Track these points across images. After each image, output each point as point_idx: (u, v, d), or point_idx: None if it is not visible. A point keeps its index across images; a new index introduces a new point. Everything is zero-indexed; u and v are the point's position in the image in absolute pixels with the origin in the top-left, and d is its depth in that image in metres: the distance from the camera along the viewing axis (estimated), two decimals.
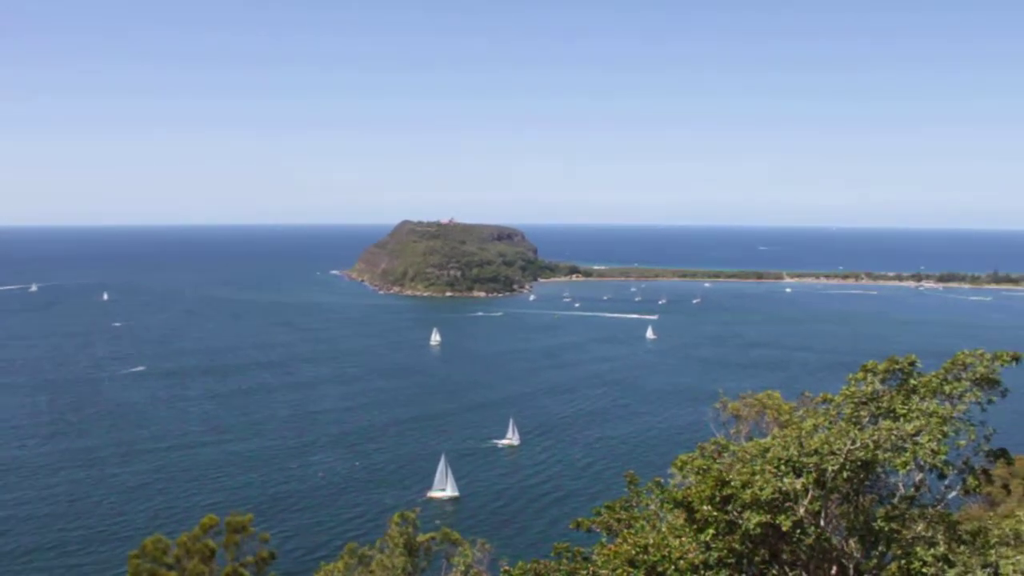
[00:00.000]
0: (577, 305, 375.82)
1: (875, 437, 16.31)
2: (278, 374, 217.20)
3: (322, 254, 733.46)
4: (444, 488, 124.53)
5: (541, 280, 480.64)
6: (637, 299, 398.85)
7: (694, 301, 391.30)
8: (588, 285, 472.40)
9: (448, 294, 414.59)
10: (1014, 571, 11.05)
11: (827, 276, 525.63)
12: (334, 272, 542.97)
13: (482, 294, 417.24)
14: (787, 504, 16.38)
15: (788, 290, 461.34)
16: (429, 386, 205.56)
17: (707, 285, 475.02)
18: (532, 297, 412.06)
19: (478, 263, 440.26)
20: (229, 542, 33.99)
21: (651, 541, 17.02)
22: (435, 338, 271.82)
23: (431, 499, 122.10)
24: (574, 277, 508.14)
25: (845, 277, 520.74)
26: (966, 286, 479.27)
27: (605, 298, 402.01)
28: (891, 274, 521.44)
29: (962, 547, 16.35)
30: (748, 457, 17.15)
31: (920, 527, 17.27)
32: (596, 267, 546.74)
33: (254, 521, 35.58)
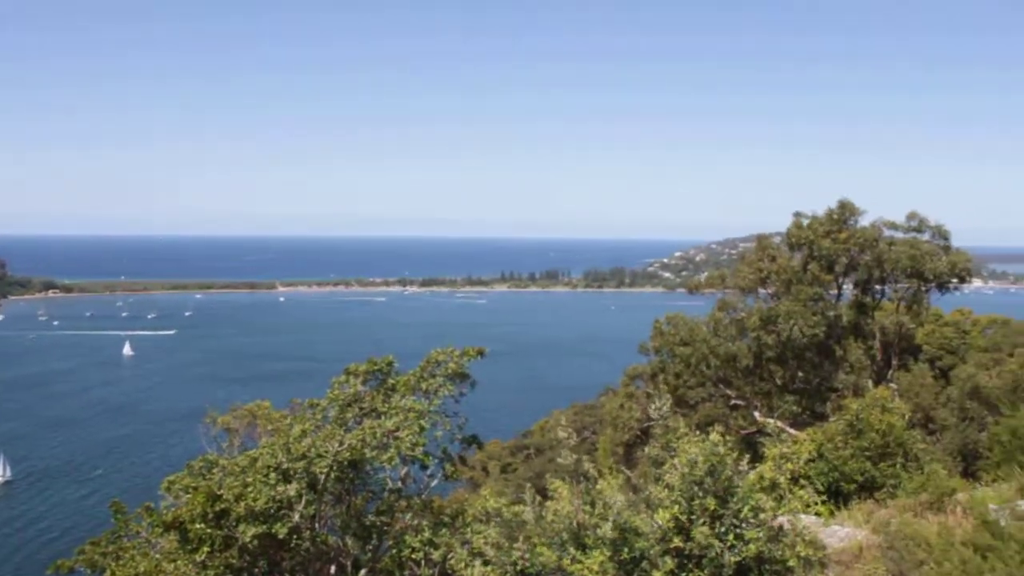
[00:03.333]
0: (56, 323, 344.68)
1: (361, 437, 17.00)
2: None
3: None
4: None
5: (12, 297, 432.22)
6: (124, 314, 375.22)
7: (186, 314, 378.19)
8: (68, 302, 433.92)
9: None
10: (484, 543, 12.17)
11: (319, 284, 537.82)
12: None
13: None
14: (282, 512, 16.45)
15: (281, 299, 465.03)
16: None
17: (199, 297, 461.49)
18: (1, 317, 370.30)
19: None
20: None
21: (143, 570, 16.16)
22: None
23: None
24: (51, 293, 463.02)
25: (336, 284, 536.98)
26: (445, 289, 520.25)
27: (88, 315, 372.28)
28: (379, 280, 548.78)
29: (444, 530, 17.64)
30: (239, 469, 16.95)
31: (408, 517, 18.37)
32: (77, 281, 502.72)
33: None
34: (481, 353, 19.94)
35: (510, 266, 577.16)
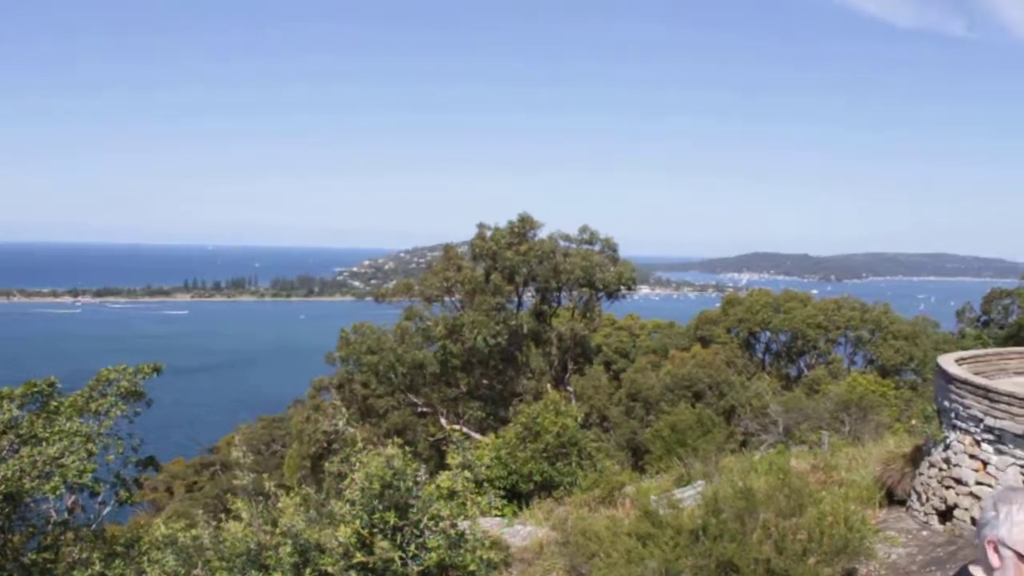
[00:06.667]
0: None
1: (18, 466, 15.59)
2: None
3: None
4: None
5: None
6: None
7: None
8: None
9: None
10: (161, 571, 11.58)
11: None
12: None
13: None
14: None
15: None
16: None
17: None
18: None
19: None
20: None
21: None
22: None
23: None
24: None
25: None
26: (123, 299, 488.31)
27: None
28: (46, 290, 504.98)
29: (117, 560, 16.57)
30: None
31: (76, 550, 17.06)
32: None
33: None
34: (157, 369, 18.94)
35: (190, 274, 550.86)
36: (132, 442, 18.47)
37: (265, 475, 11.82)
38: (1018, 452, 14.41)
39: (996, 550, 3.26)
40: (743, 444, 36.32)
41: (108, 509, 18.53)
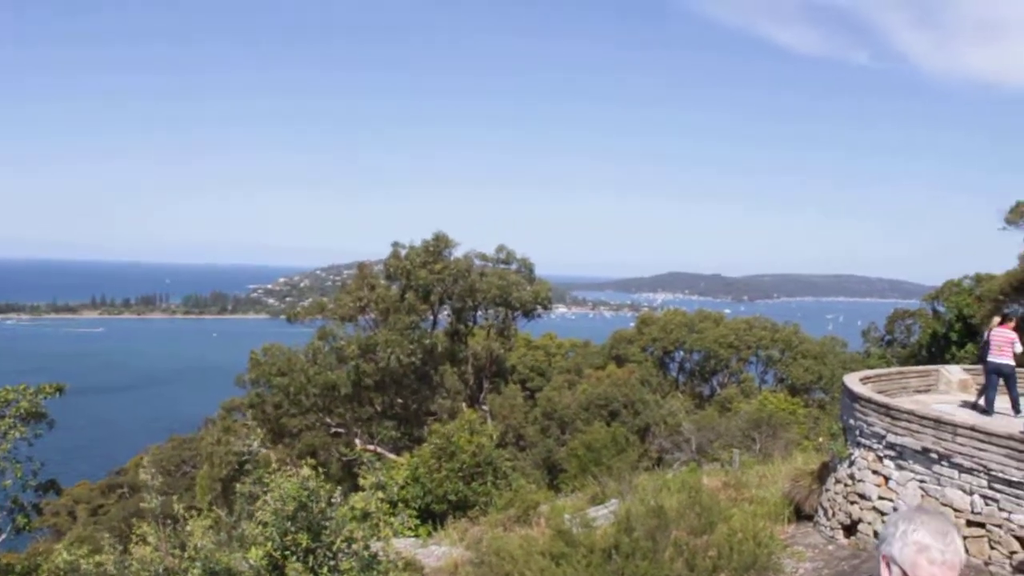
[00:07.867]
0: None
1: None
2: None
3: None
4: None
5: None
6: None
7: None
8: None
9: None
10: None
11: None
12: None
13: None
14: None
15: None
16: None
17: None
18: None
19: None
20: None
21: None
22: None
23: None
24: None
25: None
26: (26, 316, 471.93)
27: None
28: None
29: None
30: None
31: None
32: None
33: None
34: (60, 389, 18.34)
35: (96, 290, 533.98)
36: (32, 465, 17.82)
37: (175, 497, 11.55)
38: (917, 468, 14.87)
39: (888, 566, 3.42)
40: (657, 462, 36.73)
41: (4, 536, 17.86)
